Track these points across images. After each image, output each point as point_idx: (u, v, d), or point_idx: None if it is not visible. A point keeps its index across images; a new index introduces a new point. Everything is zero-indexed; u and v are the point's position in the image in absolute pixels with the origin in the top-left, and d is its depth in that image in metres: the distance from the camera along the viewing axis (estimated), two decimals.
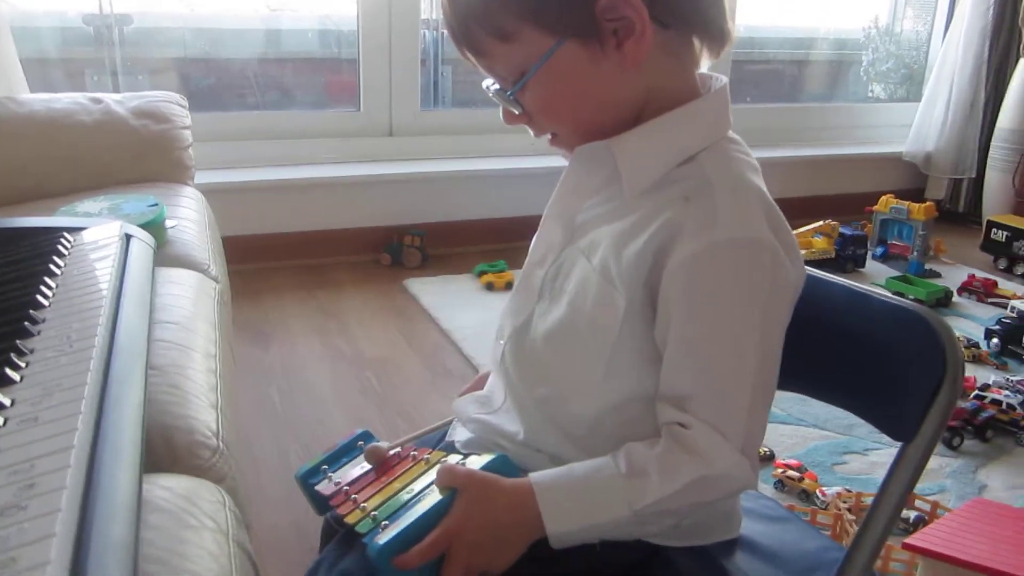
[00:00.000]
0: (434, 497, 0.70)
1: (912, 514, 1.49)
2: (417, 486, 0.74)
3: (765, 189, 0.73)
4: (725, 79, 0.78)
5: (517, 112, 0.76)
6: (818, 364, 0.78)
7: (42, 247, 1.04)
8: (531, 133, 0.80)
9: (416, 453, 0.81)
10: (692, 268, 0.67)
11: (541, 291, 0.79)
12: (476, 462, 0.73)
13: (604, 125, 0.74)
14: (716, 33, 0.74)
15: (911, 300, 2.54)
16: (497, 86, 0.76)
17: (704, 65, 0.78)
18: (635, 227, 0.71)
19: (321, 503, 0.83)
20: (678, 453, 0.68)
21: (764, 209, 0.70)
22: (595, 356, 0.73)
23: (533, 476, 0.71)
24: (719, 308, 0.68)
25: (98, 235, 1.10)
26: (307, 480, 0.86)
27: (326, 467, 0.86)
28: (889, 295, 0.76)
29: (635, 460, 0.69)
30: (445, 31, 0.78)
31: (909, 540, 1.24)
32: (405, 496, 0.73)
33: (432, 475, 0.74)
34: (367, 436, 0.90)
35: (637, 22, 0.68)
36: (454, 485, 0.70)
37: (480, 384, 0.93)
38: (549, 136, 0.80)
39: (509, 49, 0.72)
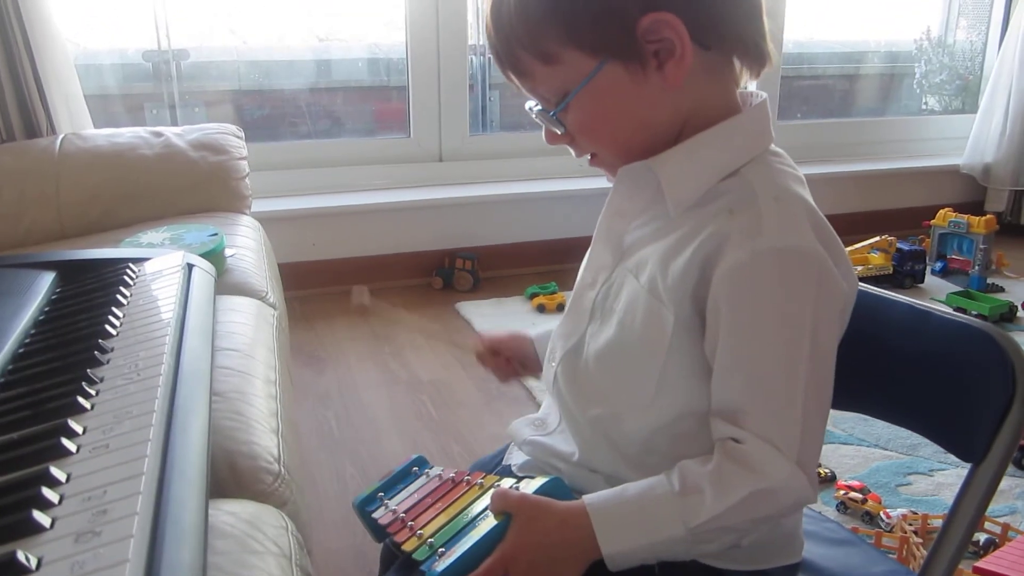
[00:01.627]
0: (489, 523, 0.70)
1: (982, 536, 1.45)
2: (473, 511, 0.75)
3: (811, 200, 0.72)
4: (765, 95, 0.78)
5: (559, 132, 0.77)
6: (881, 384, 0.77)
7: (109, 278, 1.08)
8: (572, 153, 0.81)
9: (470, 478, 0.81)
10: (737, 278, 0.67)
11: (592, 312, 0.79)
12: (529, 485, 0.73)
13: (645, 144, 0.75)
14: (755, 54, 0.74)
15: (974, 316, 2.48)
16: (540, 107, 0.77)
17: (751, 86, 0.78)
18: (680, 242, 0.71)
19: (378, 531, 0.83)
20: (731, 468, 0.67)
21: (810, 219, 0.69)
22: (646, 374, 0.73)
23: (586, 498, 0.70)
24: (766, 318, 0.68)
25: (161, 265, 1.13)
26: (364, 508, 0.87)
27: (382, 494, 0.87)
28: (952, 312, 0.74)
29: (688, 477, 0.68)
30: (490, 53, 0.79)
31: (980, 564, 1.21)
32: (462, 522, 0.74)
33: (487, 500, 0.74)
34: (422, 462, 0.91)
35: (678, 44, 0.68)
36: (507, 509, 0.70)
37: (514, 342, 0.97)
38: (589, 156, 0.80)
39: (552, 71, 0.73)
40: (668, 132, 0.74)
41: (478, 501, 0.76)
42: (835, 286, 0.69)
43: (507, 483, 0.76)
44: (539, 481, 0.73)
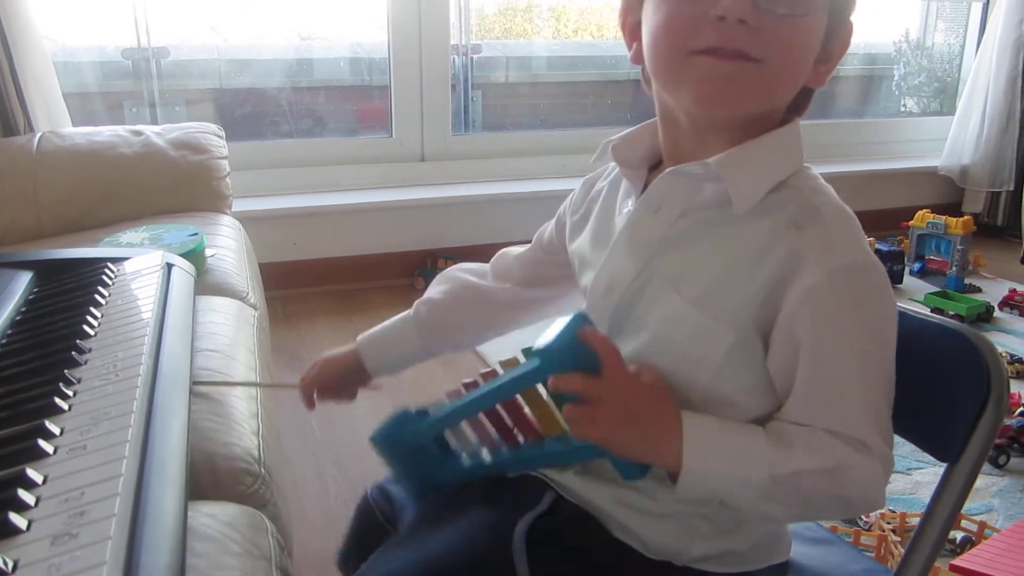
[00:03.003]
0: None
1: (959, 535, 1.46)
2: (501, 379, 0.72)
3: None
4: (797, 117, 0.77)
5: (778, 14, 0.66)
6: None
7: (87, 278, 1.07)
8: (730, 39, 0.66)
9: (484, 374, 0.75)
10: (816, 299, 0.66)
11: (612, 323, 0.76)
12: (557, 327, 0.67)
13: (770, 107, 0.73)
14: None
15: (951, 316, 2.50)
16: None
17: None
18: (743, 259, 0.69)
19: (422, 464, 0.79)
20: (826, 437, 0.65)
21: (862, 232, 0.70)
22: (688, 389, 0.71)
23: (683, 413, 0.67)
24: (848, 338, 0.66)
25: (140, 265, 1.13)
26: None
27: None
28: (928, 313, 0.75)
29: (783, 430, 0.66)
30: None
31: (956, 562, 1.22)
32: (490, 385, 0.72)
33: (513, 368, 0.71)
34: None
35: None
36: (603, 354, 0.66)
37: None
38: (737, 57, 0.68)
39: None
40: (774, 116, 0.74)
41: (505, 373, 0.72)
42: (892, 293, 0.70)
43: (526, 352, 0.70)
44: (564, 322, 0.67)
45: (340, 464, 1.74)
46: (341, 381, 1.02)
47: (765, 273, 0.67)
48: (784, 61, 0.68)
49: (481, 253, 3.17)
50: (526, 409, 0.73)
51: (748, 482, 0.65)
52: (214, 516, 0.75)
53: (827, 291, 0.66)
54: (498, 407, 0.74)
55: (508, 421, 0.75)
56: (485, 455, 0.77)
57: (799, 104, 0.76)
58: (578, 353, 0.65)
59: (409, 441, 0.80)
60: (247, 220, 1.97)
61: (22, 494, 0.59)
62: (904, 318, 0.73)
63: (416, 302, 1.01)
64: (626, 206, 0.80)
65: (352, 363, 1.01)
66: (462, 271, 1.03)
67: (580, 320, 0.66)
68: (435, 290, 1.02)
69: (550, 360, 0.66)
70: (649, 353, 0.73)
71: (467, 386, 0.77)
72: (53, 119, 2.16)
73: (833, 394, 0.66)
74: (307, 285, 2.75)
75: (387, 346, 1.02)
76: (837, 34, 0.73)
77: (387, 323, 1.03)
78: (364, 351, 1.01)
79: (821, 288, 0.65)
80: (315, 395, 1.01)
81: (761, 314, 0.68)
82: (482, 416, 0.76)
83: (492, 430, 0.76)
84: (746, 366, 0.70)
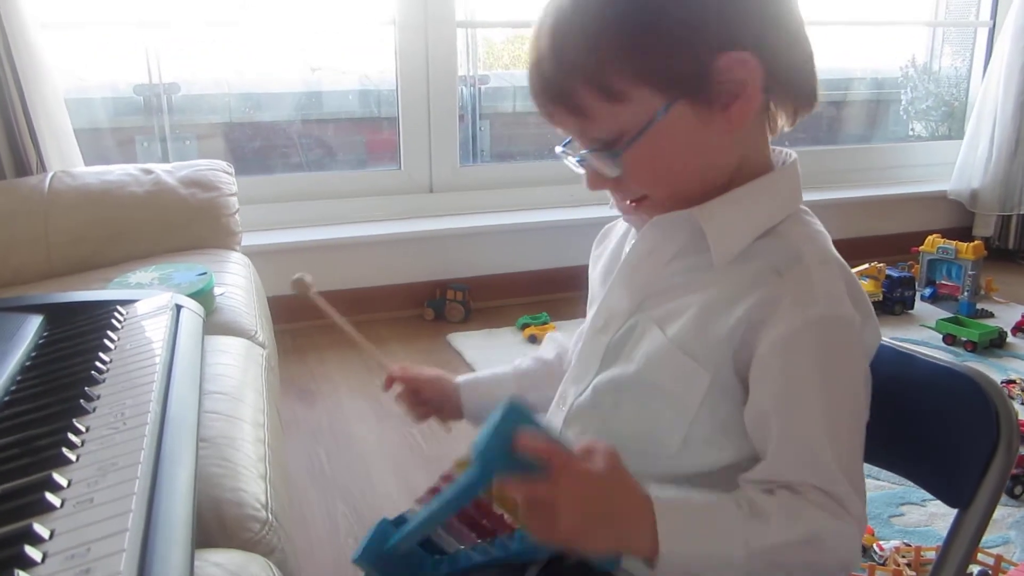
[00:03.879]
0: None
1: (975, 568, 1.44)
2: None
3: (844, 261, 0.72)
4: (795, 154, 0.77)
5: (613, 175, 0.72)
6: (868, 427, 0.77)
7: (97, 321, 1.08)
8: (611, 200, 0.78)
9: (447, 473, 0.77)
10: (791, 347, 0.65)
11: (605, 358, 0.78)
12: (490, 421, 0.61)
13: (699, 190, 0.72)
14: (806, 97, 0.73)
15: (964, 342, 2.47)
16: (588, 148, 0.72)
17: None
18: (723, 301, 0.69)
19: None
20: (800, 502, 0.64)
21: (846, 283, 0.69)
22: (669, 429, 0.71)
23: (652, 494, 0.64)
24: (820, 388, 0.66)
25: (150, 307, 1.13)
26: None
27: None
28: (936, 356, 0.75)
29: (756, 500, 0.65)
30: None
31: None
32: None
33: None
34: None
35: (749, 84, 0.66)
36: (554, 453, 0.60)
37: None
38: (629, 202, 0.77)
39: (614, 109, 0.68)
40: (722, 178, 0.73)
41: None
42: (866, 349, 0.69)
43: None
44: (496, 415, 0.60)
45: (350, 502, 1.73)
46: (431, 395, 0.99)
47: (740, 315, 0.67)
48: (655, 182, 0.73)
49: (490, 284, 3.20)
50: (494, 506, 0.73)
51: (726, 560, 0.63)
52: (220, 565, 0.74)
53: (803, 340, 0.65)
54: (469, 507, 0.74)
55: (482, 520, 0.76)
56: (473, 554, 0.76)
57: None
58: (510, 456, 0.59)
59: (392, 553, 0.79)
60: (257, 254, 1.98)
61: (29, 550, 0.59)
62: (912, 361, 0.73)
63: (522, 358, 1.01)
64: (628, 246, 0.82)
65: (450, 390, 0.98)
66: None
67: (512, 415, 0.60)
68: (545, 349, 1.00)
69: (484, 467, 0.60)
70: (636, 392, 0.74)
71: (444, 478, 0.78)
72: (65, 157, 2.18)
73: (804, 446, 0.66)
74: (316, 318, 2.73)
75: (485, 387, 1.00)
76: (691, 80, 0.68)
77: (486, 371, 1.02)
78: (466, 392, 0.99)
79: (796, 336, 0.65)
80: (398, 380, 0.99)
81: (738, 357, 0.68)
82: (455, 520, 0.76)
83: (468, 531, 0.76)
84: (725, 408, 0.70)
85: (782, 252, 0.69)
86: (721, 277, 0.70)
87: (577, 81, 0.68)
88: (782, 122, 0.76)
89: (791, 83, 0.72)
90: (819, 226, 0.74)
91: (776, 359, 0.66)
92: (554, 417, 0.85)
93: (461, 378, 0.99)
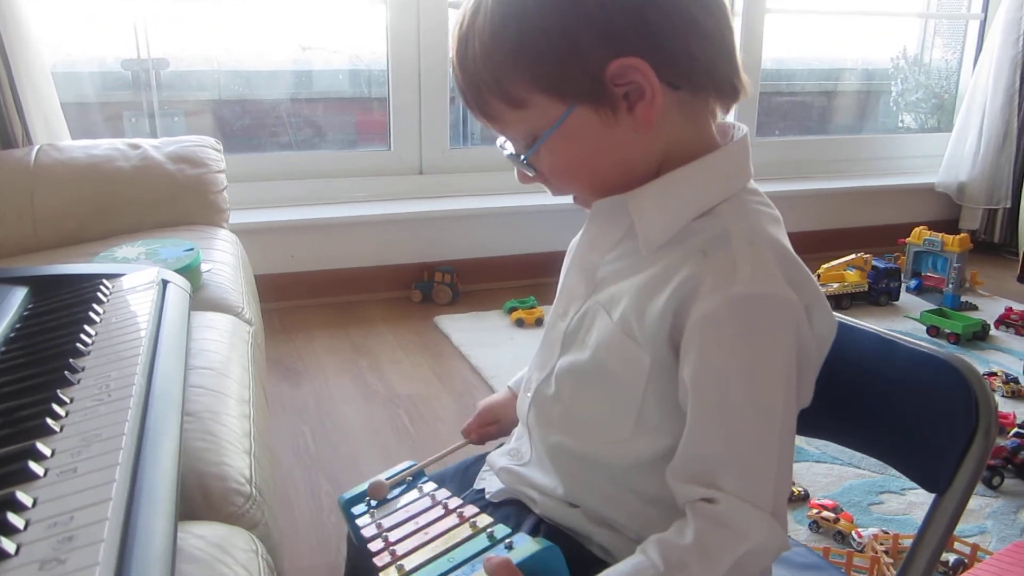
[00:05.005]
0: None
1: (951, 557, 1.46)
2: (458, 555, 0.71)
3: (786, 241, 0.71)
4: (746, 129, 0.76)
5: (531, 174, 0.76)
6: (848, 412, 0.78)
7: (82, 294, 1.07)
8: (549, 192, 0.79)
9: (464, 510, 0.78)
10: (709, 327, 0.66)
11: (563, 344, 0.79)
12: (524, 550, 0.67)
13: (621, 181, 0.73)
14: (728, 90, 0.73)
15: (947, 334, 2.50)
16: (510, 150, 0.76)
17: (729, 116, 0.77)
18: (654, 282, 0.70)
19: (360, 538, 0.82)
20: (713, 535, 0.64)
21: (781, 263, 0.68)
22: (621, 412, 0.73)
23: None
24: (738, 369, 0.66)
25: (136, 281, 1.13)
26: (349, 509, 0.86)
27: (370, 500, 0.85)
28: (918, 342, 0.75)
29: (671, 554, 0.64)
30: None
31: None
32: (446, 563, 0.70)
33: (476, 544, 0.71)
34: (418, 474, 0.89)
35: (647, 87, 0.67)
36: None
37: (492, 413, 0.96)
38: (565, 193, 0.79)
39: (521, 115, 0.72)
40: (646, 169, 0.73)
41: (466, 544, 0.73)
42: (806, 332, 0.68)
43: (499, 532, 0.72)
44: (532, 548, 0.67)
45: (334, 479, 1.74)
46: (495, 423, 0.99)
47: (669, 295, 0.68)
48: (572, 180, 0.76)
49: (478, 267, 3.21)
50: None
51: None
52: (204, 538, 0.74)
53: (722, 320, 0.65)
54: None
55: None
56: None
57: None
58: None
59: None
60: (244, 232, 1.97)
61: (12, 518, 0.59)
62: (893, 347, 0.74)
63: None
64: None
65: (506, 401, 0.99)
66: None
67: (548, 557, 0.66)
68: None
69: None
70: (591, 377, 0.75)
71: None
72: (52, 131, 2.16)
73: (725, 433, 0.66)
74: (304, 297, 2.76)
75: None
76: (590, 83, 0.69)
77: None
78: (515, 387, 0.99)
79: (715, 316, 0.65)
80: (475, 437, 0.99)
81: (672, 337, 0.69)
82: None
83: None
84: (669, 390, 0.70)
85: (711, 232, 0.70)
86: (655, 259, 0.72)
87: (482, 90, 0.72)
88: (717, 109, 0.75)
89: (699, 78, 0.71)
90: (762, 206, 0.74)
91: (696, 336, 0.66)
92: (521, 403, 0.86)
93: (511, 382, 1.00)
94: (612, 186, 0.74)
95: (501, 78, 0.70)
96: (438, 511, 0.80)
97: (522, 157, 0.74)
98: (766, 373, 0.66)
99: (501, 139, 0.78)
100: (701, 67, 0.71)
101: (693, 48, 0.69)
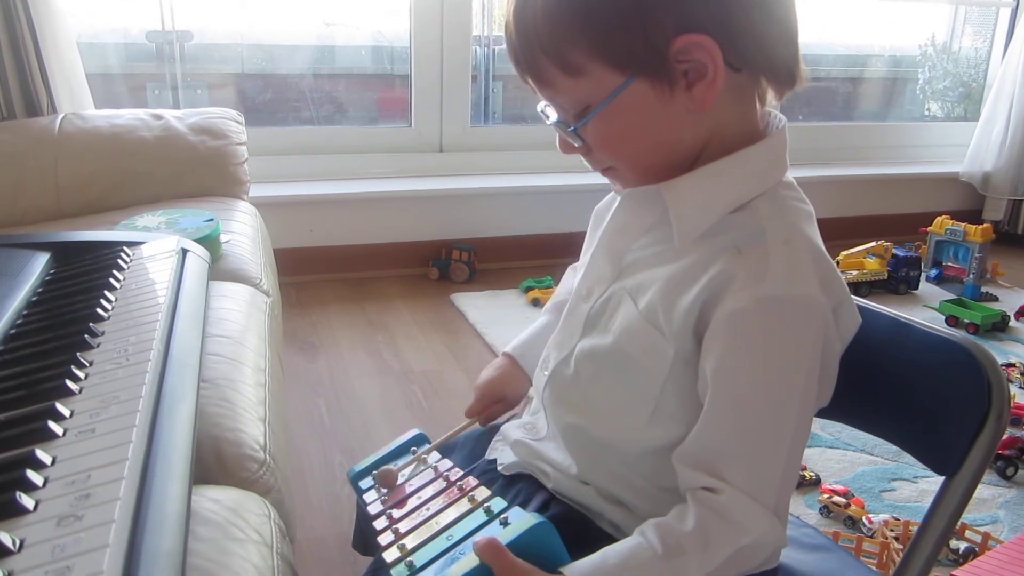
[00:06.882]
0: (469, 562, 0.67)
1: (962, 545, 1.46)
2: (457, 532, 0.73)
3: (819, 239, 0.70)
4: (785, 119, 0.75)
5: (577, 145, 0.74)
6: (862, 393, 0.78)
7: (103, 261, 1.08)
8: (586, 164, 0.78)
9: (464, 484, 0.79)
10: (736, 324, 0.65)
11: (585, 326, 0.78)
12: (517, 527, 0.68)
13: (664, 164, 0.72)
14: (785, 77, 0.72)
15: (966, 324, 2.48)
16: (556, 117, 0.74)
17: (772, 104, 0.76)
18: (686, 276, 0.69)
19: (367, 515, 0.83)
20: (713, 525, 0.65)
21: (815, 263, 0.67)
22: (641, 399, 0.72)
23: (566, 569, 0.66)
24: (760, 368, 0.66)
25: (156, 249, 1.14)
26: (357, 482, 0.87)
27: (376, 473, 0.87)
28: (933, 326, 0.75)
29: (669, 538, 0.65)
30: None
31: (957, 572, 1.22)
32: (444, 543, 0.72)
33: (474, 520, 0.73)
34: (421, 440, 0.90)
35: (711, 67, 0.66)
36: (489, 564, 0.65)
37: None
38: (603, 169, 0.78)
39: (574, 83, 0.69)
40: (688, 153, 0.72)
41: (465, 520, 0.74)
42: (831, 336, 0.68)
43: (496, 505, 0.73)
44: (525, 524, 0.67)
45: (347, 451, 1.75)
46: (500, 401, 0.98)
47: (699, 289, 0.67)
48: (618, 155, 0.74)
49: (496, 245, 3.21)
50: None
51: None
52: (218, 501, 0.76)
53: (750, 318, 0.65)
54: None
55: None
56: None
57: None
58: None
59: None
60: (264, 205, 1.98)
61: (31, 474, 0.60)
62: (907, 330, 0.74)
63: (546, 306, 1.01)
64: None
65: (507, 376, 0.97)
66: None
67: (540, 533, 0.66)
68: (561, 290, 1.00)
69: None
70: (610, 361, 0.74)
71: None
72: (76, 100, 2.18)
73: (738, 427, 0.66)
74: (321, 272, 2.77)
75: (536, 347, 0.99)
76: (657, 59, 0.67)
77: (529, 330, 1.00)
78: (517, 356, 0.98)
79: (744, 314, 0.65)
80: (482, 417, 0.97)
81: (697, 331, 0.68)
82: None
83: None
84: (689, 382, 0.70)
85: (747, 229, 0.69)
86: (687, 251, 0.71)
87: (538, 53, 0.69)
88: (769, 95, 0.74)
89: (761, 62, 0.70)
90: (798, 202, 0.73)
91: (721, 331, 0.66)
92: (537, 380, 0.86)
93: (509, 348, 0.98)
94: (655, 166, 0.73)
95: (560, 43, 0.68)
96: (440, 484, 0.81)
97: (572, 127, 0.72)
98: (786, 374, 0.66)
99: (542, 104, 0.76)
100: (765, 51, 0.69)
101: (760, 30, 0.68)
